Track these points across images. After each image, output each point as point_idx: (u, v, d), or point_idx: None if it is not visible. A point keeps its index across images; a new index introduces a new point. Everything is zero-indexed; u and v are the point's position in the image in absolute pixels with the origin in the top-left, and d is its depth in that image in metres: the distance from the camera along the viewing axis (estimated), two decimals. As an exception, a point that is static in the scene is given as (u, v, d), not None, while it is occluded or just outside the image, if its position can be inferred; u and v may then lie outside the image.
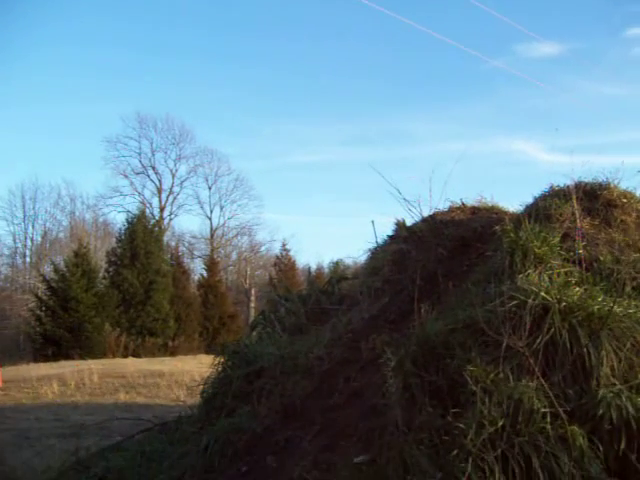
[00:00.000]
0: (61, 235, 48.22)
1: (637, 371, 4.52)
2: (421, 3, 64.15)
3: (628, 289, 5.40)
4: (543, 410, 4.14)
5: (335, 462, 4.80)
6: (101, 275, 33.39)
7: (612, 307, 4.65)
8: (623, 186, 6.76)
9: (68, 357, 26.54)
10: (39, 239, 47.78)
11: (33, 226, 47.59)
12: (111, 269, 33.86)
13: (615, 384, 4.37)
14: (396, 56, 71.84)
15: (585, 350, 4.50)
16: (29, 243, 47.83)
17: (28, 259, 47.44)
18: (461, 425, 4.10)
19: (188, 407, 8.23)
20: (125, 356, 28.08)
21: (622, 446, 4.05)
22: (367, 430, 4.95)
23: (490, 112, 69.99)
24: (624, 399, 4.18)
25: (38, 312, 30.81)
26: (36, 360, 26.92)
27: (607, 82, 65.49)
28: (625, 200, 6.60)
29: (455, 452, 3.98)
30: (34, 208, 47.38)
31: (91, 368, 19.33)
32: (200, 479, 5.62)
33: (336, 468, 4.70)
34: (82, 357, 26.11)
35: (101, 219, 49.78)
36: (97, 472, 6.89)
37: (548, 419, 4.11)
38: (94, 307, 29.69)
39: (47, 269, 37.07)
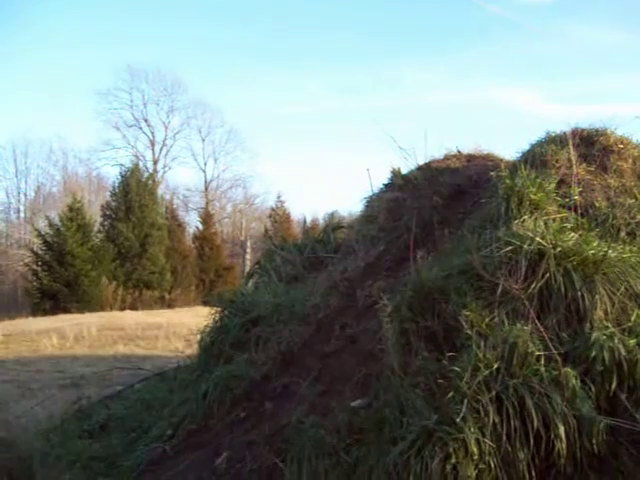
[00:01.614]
0: (54, 190, 47.97)
1: (630, 314, 4.58)
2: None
3: (623, 234, 5.43)
4: (537, 353, 4.20)
5: (332, 407, 4.88)
6: (96, 229, 33.34)
7: (606, 252, 4.68)
8: (620, 132, 6.71)
9: (66, 311, 26.71)
10: (32, 194, 47.56)
11: (26, 181, 47.32)
12: (106, 223, 33.83)
13: (608, 327, 4.43)
14: (387, 4, 70.08)
15: (579, 294, 4.55)
16: (22, 198, 47.64)
17: (22, 214, 47.27)
18: (456, 368, 4.16)
19: (186, 357, 8.33)
20: (122, 309, 28.29)
21: (613, 386, 4.13)
22: (364, 375, 5.03)
23: (485, 60, 69.02)
24: (616, 341, 4.24)
25: (34, 267, 30.88)
26: (34, 314, 27.07)
27: (604, 28, 64.31)
28: (622, 146, 6.56)
29: (450, 394, 4.05)
30: (26, 163, 47.01)
31: (89, 321, 19.52)
32: (199, 425, 5.73)
33: (333, 412, 4.78)
34: (80, 311, 26.30)
35: (94, 173, 49.45)
36: (98, 420, 7.03)
37: (542, 362, 4.17)
38: (90, 261, 29.73)
39: (42, 224, 36.92)
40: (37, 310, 28.29)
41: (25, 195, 47.57)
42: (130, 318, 21.46)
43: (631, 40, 62.55)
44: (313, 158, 74.99)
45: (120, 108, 50.14)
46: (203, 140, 52.17)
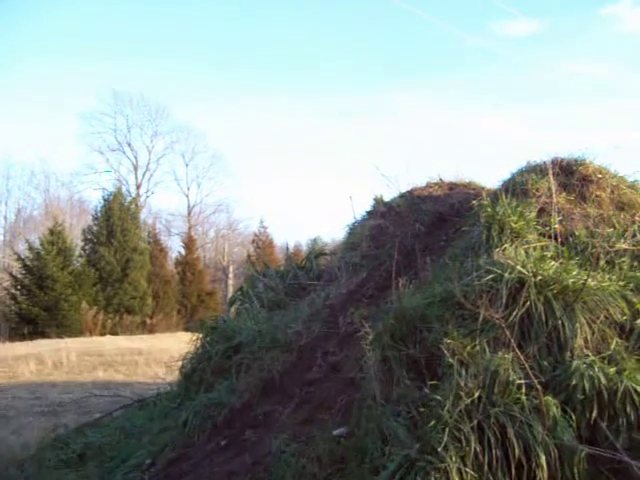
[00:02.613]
0: (35, 213, 47.55)
1: (609, 342, 4.62)
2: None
3: (602, 263, 5.49)
4: (518, 381, 4.21)
5: (314, 435, 4.84)
6: (77, 253, 33.05)
7: (586, 280, 4.73)
8: (598, 162, 6.83)
9: (45, 336, 26.31)
10: (13, 217, 47.09)
11: (6, 204, 46.87)
12: (87, 247, 33.54)
13: (588, 355, 4.47)
14: (372, 30, 71.18)
15: (560, 322, 4.58)
16: (2, 221, 47.14)
17: (2, 237, 46.77)
18: (438, 397, 4.15)
19: (167, 384, 8.24)
20: (103, 334, 27.94)
21: (594, 415, 4.15)
22: (345, 403, 5.00)
23: (466, 89, 69.93)
24: (596, 369, 4.27)
25: (13, 291, 30.44)
26: (12, 339, 26.62)
27: (584, 59, 65.75)
28: (600, 176, 6.67)
29: (432, 423, 4.03)
30: (7, 185, 46.61)
31: (69, 346, 19.24)
32: (179, 454, 5.65)
33: (315, 441, 4.74)
34: (59, 336, 25.92)
35: (76, 196, 49.14)
36: (76, 449, 6.90)
37: (523, 390, 4.18)
38: (70, 285, 29.41)
39: (22, 247, 36.52)
40: (15, 335, 27.81)
41: (5, 218, 47.13)
42: (110, 343, 21.20)
43: (609, 71, 63.99)
44: (297, 183, 75.27)
45: (104, 132, 50.15)
46: (187, 165, 52.25)
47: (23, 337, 26.56)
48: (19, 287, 30.21)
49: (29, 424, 8.93)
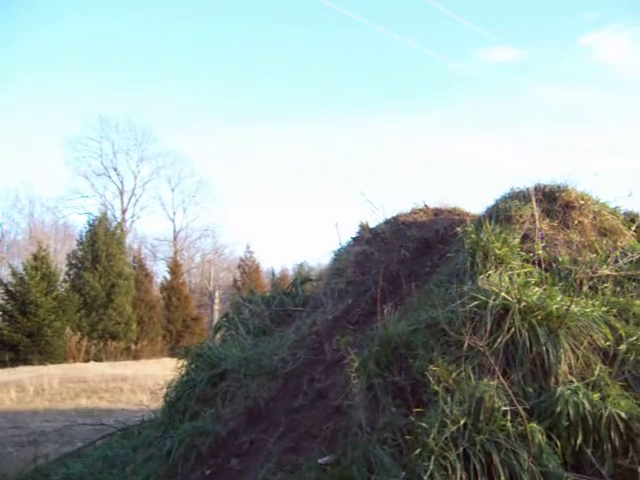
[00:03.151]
0: (19, 238, 47.20)
1: (593, 368, 4.64)
2: (380, 4, 64.17)
3: (585, 289, 5.55)
4: (504, 408, 4.22)
5: (300, 463, 4.80)
6: (61, 278, 32.73)
7: (570, 306, 4.77)
8: (580, 188, 6.93)
9: (27, 363, 25.92)
10: (-4, 242, 46.65)
11: (-10, 228, 46.43)
12: (72, 272, 33.25)
13: (572, 381, 4.49)
14: (354, 57, 71.96)
15: (544, 349, 4.61)
16: (-14, 246, 46.65)
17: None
18: (424, 424, 4.15)
19: (151, 411, 8.15)
20: (86, 361, 27.60)
21: (579, 441, 4.16)
22: (331, 431, 4.97)
23: (449, 116, 70.66)
24: (581, 396, 4.29)
25: (-6, 316, 30.05)
26: (-9, 366, 26.20)
27: (563, 87, 66.86)
28: (582, 202, 6.76)
29: (418, 451, 4.02)
30: (-9, 210, 46.28)
31: (51, 373, 18.97)
32: (163, 484, 5.57)
33: (301, 469, 4.70)
34: (41, 362, 25.56)
35: (61, 221, 48.88)
36: None
37: (508, 417, 4.19)
38: (54, 311, 29.07)
39: (4, 272, 36.15)
40: (-5, 362, 27.39)
41: (-11, 243, 46.66)
42: (94, 370, 20.94)
43: (589, 98, 65.12)
44: (283, 208, 75.29)
45: (89, 157, 50.08)
46: (172, 190, 52.19)
47: (4, 364, 26.14)
48: (1, 313, 29.81)
49: (8, 455, 8.74)
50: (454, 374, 4.48)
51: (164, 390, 7.45)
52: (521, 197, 6.76)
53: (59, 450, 8.66)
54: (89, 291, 31.83)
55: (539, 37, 68.64)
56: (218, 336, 9.04)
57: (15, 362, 26.20)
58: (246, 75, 73.63)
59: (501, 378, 4.33)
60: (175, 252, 49.63)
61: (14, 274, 30.49)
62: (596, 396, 4.33)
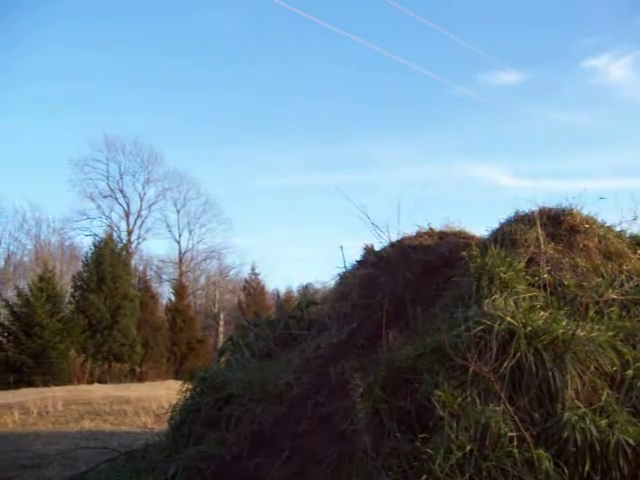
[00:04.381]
0: (25, 259, 47.32)
1: (600, 394, 4.61)
2: (384, 28, 64.89)
3: (591, 313, 5.52)
4: (510, 434, 4.19)
5: (304, 489, 4.76)
6: (67, 300, 32.74)
7: (575, 331, 4.75)
8: (585, 212, 6.93)
9: (31, 384, 25.84)
10: (2, 263, 46.79)
11: (-4, 249, 46.61)
12: (77, 294, 33.25)
13: (579, 407, 4.45)
14: (358, 80, 72.50)
15: (550, 374, 4.58)
16: (-8, 267, 46.77)
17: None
18: (429, 450, 4.12)
19: (155, 434, 8.09)
20: (91, 382, 27.49)
21: (587, 468, 4.12)
22: (336, 456, 4.93)
23: (453, 138, 70.91)
24: (588, 422, 4.25)
25: (0, 338, 30.01)
26: (-4, 388, 26.12)
27: (566, 110, 67.16)
28: (587, 226, 6.76)
29: (424, 477, 3.99)
30: (-2, 231, 46.45)
31: (55, 395, 18.89)
32: (167, 509, 5.53)
33: (305, 495, 4.66)
34: (46, 384, 25.48)
35: (67, 243, 49.04)
36: (59, 504, 6.73)
37: (515, 443, 4.15)
38: (59, 333, 29.04)
39: (10, 293, 36.20)
40: (-1, 383, 27.30)
41: (-5, 264, 46.78)
42: (98, 392, 20.85)
43: (592, 120, 65.40)
44: (288, 230, 75.50)
45: (96, 179, 50.38)
46: (178, 212, 52.37)
47: (8, 386, 26.05)
48: (6, 334, 29.79)
49: (11, 479, 8.68)
50: (459, 399, 4.46)
51: (168, 413, 7.42)
52: (526, 221, 6.77)
53: (62, 474, 8.59)
54: (94, 313, 31.79)
55: (542, 61, 69.26)
56: (223, 359, 9.01)
57: (19, 384, 26.11)
58: (253, 97, 74.23)
59: (507, 404, 4.31)
60: (180, 274, 49.65)
61: (20, 295, 30.54)
62: (603, 422, 4.30)
